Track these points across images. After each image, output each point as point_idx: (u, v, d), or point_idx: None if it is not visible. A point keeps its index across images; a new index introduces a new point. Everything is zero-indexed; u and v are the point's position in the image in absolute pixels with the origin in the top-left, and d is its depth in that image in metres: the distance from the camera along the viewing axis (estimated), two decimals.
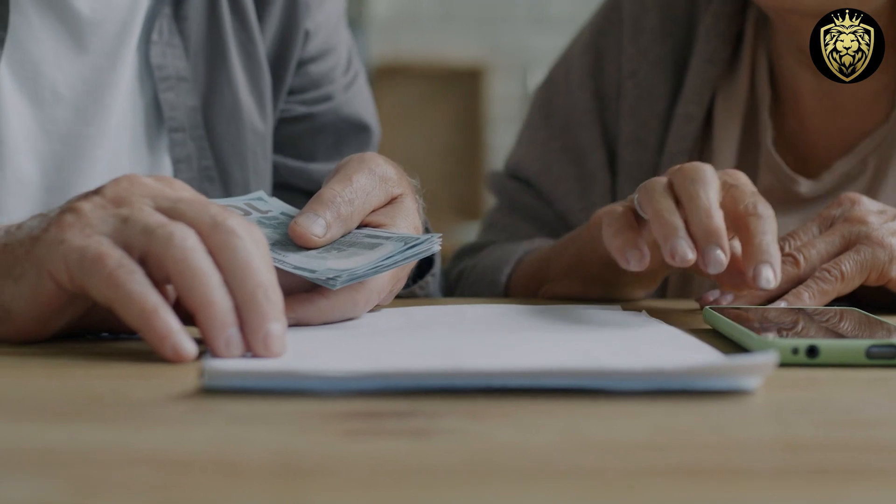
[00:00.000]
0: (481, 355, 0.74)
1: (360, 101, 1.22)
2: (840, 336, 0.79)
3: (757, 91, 1.18)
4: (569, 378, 0.66)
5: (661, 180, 0.90)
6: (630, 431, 0.61)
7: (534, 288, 1.10)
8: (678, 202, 0.89)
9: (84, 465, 0.52)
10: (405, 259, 0.85)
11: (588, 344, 0.78)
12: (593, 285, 1.03)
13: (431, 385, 0.65)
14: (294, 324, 0.82)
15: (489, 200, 1.38)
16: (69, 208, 0.73)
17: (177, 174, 1.08)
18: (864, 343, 0.76)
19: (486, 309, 0.94)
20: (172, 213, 0.73)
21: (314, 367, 0.66)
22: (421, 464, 0.54)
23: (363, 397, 0.64)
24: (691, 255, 0.86)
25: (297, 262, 0.84)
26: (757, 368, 0.66)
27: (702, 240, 0.86)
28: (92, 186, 0.83)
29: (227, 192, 1.10)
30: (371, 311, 0.91)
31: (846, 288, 0.95)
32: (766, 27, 1.18)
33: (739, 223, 0.89)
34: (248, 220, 0.79)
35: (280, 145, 1.17)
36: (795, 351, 0.75)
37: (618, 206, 0.94)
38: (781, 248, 0.97)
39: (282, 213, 0.89)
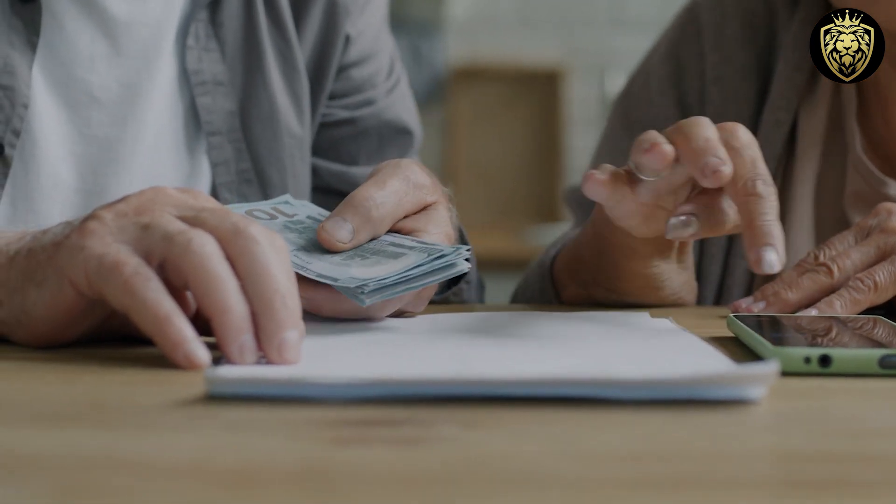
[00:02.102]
0: (490, 364, 0.75)
1: (402, 105, 1.23)
2: (873, 345, 0.79)
3: (842, 97, 1.18)
4: (566, 387, 0.66)
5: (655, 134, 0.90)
6: (623, 441, 0.61)
7: (573, 272, 1.09)
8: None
9: (70, 470, 0.53)
10: (431, 279, 0.86)
11: (604, 352, 0.78)
12: (614, 257, 1.02)
13: (429, 393, 0.66)
14: (305, 307, 0.82)
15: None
16: (92, 216, 0.75)
17: (215, 177, 1.09)
18: (876, 353, 0.75)
19: (512, 316, 0.94)
20: (195, 221, 0.74)
21: (314, 375, 0.67)
22: (405, 473, 0.54)
23: (360, 405, 0.65)
24: (727, 169, 0.84)
25: (320, 269, 0.85)
26: (757, 378, 0.66)
27: (700, 161, 0.85)
28: (129, 190, 0.85)
29: (265, 194, 1.11)
30: (400, 317, 0.92)
31: (879, 298, 0.95)
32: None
33: (738, 200, 0.86)
34: (271, 228, 0.81)
35: (321, 149, 1.18)
36: (808, 360, 0.75)
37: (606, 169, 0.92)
38: (816, 258, 0.97)
39: (308, 217, 0.91)
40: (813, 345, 0.78)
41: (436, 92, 3.79)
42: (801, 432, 0.64)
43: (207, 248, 0.72)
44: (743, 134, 0.88)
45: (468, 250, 0.88)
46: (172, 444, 0.58)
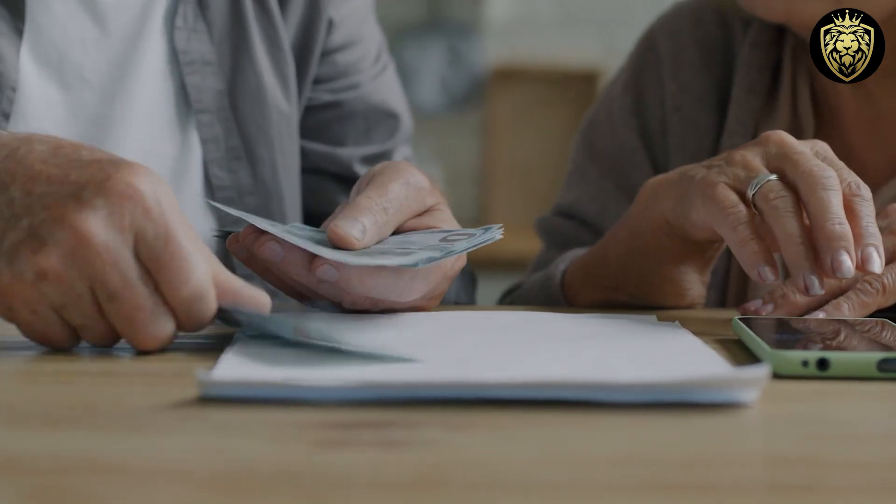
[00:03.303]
0: (489, 365, 0.75)
1: (388, 91, 1.25)
2: (883, 348, 0.78)
3: (800, 117, 1.18)
4: (556, 390, 0.66)
5: (778, 182, 0.90)
6: (609, 445, 0.61)
7: (593, 278, 1.09)
8: (800, 200, 0.90)
9: (48, 473, 0.54)
10: (470, 247, 0.89)
11: (602, 354, 0.78)
12: (647, 260, 1.02)
13: (416, 396, 0.66)
14: (332, 287, 0.86)
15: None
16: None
17: (205, 154, 1.12)
18: (875, 356, 0.75)
19: (518, 316, 0.94)
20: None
21: (303, 377, 0.67)
22: (385, 476, 0.55)
23: (348, 407, 0.65)
24: (820, 290, 0.87)
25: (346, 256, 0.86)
26: (748, 381, 0.66)
27: (833, 245, 0.87)
28: None
29: (254, 170, 1.14)
30: (408, 312, 0.93)
31: (887, 300, 0.94)
32: (804, 53, 1.18)
33: (843, 203, 0.89)
34: (276, 229, 0.83)
35: (309, 132, 1.21)
36: (805, 363, 0.75)
37: (729, 196, 0.92)
38: None
39: (311, 229, 0.92)
40: (813, 348, 0.78)
41: (474, 93, 3.79)
42: (791, 436, 0.64)
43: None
44: (829, 148, 0.94)
45: (499, 228, 0.92)
46: (157, 446, 0.59)
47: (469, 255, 0.95)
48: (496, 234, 0.91)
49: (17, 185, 0.77)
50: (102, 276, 0.74)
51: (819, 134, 1.18)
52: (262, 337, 0.80)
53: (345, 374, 0.69)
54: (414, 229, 0.93)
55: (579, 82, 3.71)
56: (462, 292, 1.20)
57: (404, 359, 0.74)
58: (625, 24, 3.67)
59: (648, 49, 1.27)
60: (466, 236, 0.90)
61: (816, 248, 0.87)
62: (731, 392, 0.67)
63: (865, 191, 0.90)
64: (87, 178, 0.76)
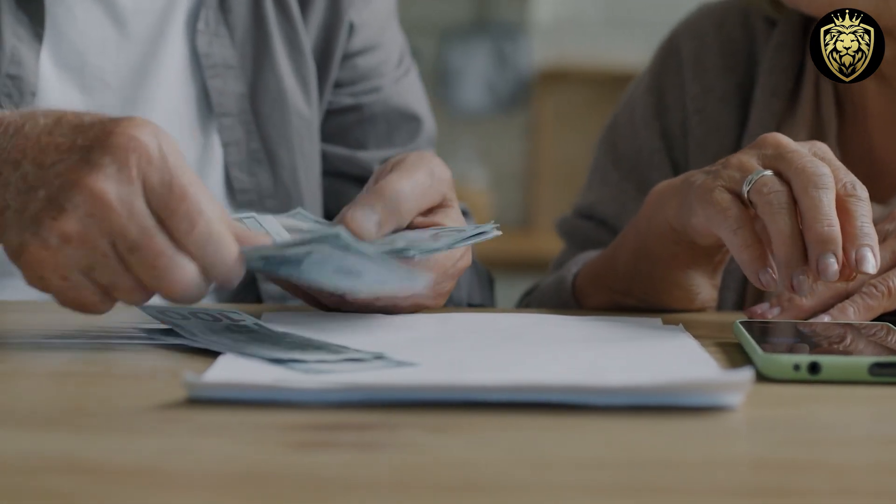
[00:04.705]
0: (484, 368, 0.76)
1: (410, 93, 1.26)
2: (889, 352, 0.78)
3: (823, 118, 1.18)
4: (539, 393, 0.67)
5: (773, 178, 0.90)
6: (584, 448, 0.61)
7: (602, 282, 1.09)
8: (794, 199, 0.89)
9: (25, 472, 0.55)
10: (468, 242, 0.90)
11: (599, 358, 0.79)
12: (655, 266, 1.02)
13: (401, 398, 0.67)
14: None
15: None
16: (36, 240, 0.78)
17: (226, 156, 1.13)
18: (866, 360, 0.75)
19: (520, 318, 0.95)
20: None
21: (289, 379, 0.68)
22: (360, 478, 0.55)
23: (333, 409, 0.66)
24: (808, 290, 0.87)
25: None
26: (729, 385, 0.67)
27: (820, 247, 0.87)
28: None
29: (275, 173, 1.15)
30: (414, 314, 0.94)
31: (893, 304, 0.94)
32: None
33: (837, 202, 0.89)
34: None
35: (330, 135, 1.22)
36: (797, 367, 0.75)
37: (725, 197, 0.92)
38: None
39: (314, 219, 0.93)
40: (806, 352, 0.78)
41: (520, 94, 3.80)
42: (772, 440, 0.64)
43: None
44: (828, 148, 0.93)
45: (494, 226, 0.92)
46: (137, 446, 0.60)
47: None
48: (491, 233, 0.91)
49: (28, 160, 0.79)
50: (121, 229, 0.77)
51: (841, 134, 1.17)
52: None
53: (330, 377, 0.70)
54: (431, 225, 0.93)
55: (625, 84, 3.66)
56: (475, 292, 1.21)
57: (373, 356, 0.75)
58: (670, 25, 3.67)
59: (671, 52, 1.27)
60: (456, 232, 0.90)
61: (806, 248, 0.87)
62: (715, 396, 0.67)
63: (861, 191, 0.90)
64: (92, 140, 0.78)
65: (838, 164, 0.91)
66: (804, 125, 1.18)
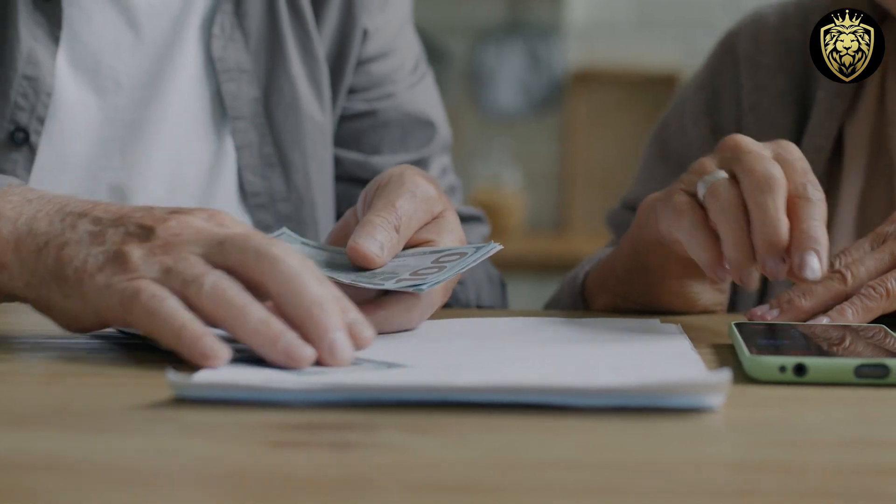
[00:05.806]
0: (474, 370, 0.77)
1: (425, 99, 1.26)
2: (889, 355, 0.79)
3: (887, 114, 1.17)
4: (520, 394, 0.67)
5: (725, 180, 0.90)
6: (562, 449, 0.62)
7: (605, 285, 1.10)
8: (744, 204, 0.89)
9: (8, 471, 0.56)
10: (474, 262, 0.89)
11: (588, 359, 0.79)
12: (649, 276, 1.03)
13: (383, 399, 0.68)
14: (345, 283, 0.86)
15: None
16: (121, 252, 0.78)
17: (240, 160, 1.15)
18: (852, 362, 0.75)
19: (520, 322, 0.96)
20: (217, 256, 0.78)
21: (274, 379, 0.69)
22: (332, 478, 0.56)
23: (314, 409, 0.67)
24: (756, 283, 0.88)
25: (352, 279, 0.87)
26: (706, 386, 0.67)
27: (764, 250, 0.87)
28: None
29: (288, 177, 1.16)
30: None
31: (892, 305, 0.94)
32: (894, 53, 1.17)
33: (788, 204, 0.88)
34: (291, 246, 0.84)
35: (344, 140, 1.22)
36: (783, 369, 0.75)
37: (682, 199, 0.93)
38: (832, 265, 0.97)
39: (302, 244, 0.93)
40: (794, 353, 0.78)
41: (554, 96, 3.80)
42: (753, 442, 0.64)
43: (222, 284, 0.76)
44: (794, 149, 0.92)
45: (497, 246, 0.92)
46: (120, 446, 0.61)
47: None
48: (492, 250, 0.91)
49: (95, 211, 0.82)
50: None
51: None
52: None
53: (315, 378, 0.71)
54: (427, 241, 0.93)
55: (658, 85, 3.70)
56: (484, 293, 1.22)
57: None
58: (703, 26, 3.66)
59: (726, 49, 1.27)
60: (458, 256, 0.90)
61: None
62: (695, 397, 0.68)
63: (814, 192, 0.88)
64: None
65: (799, 165, 0.90)
66: (867, 123, 1.17)
